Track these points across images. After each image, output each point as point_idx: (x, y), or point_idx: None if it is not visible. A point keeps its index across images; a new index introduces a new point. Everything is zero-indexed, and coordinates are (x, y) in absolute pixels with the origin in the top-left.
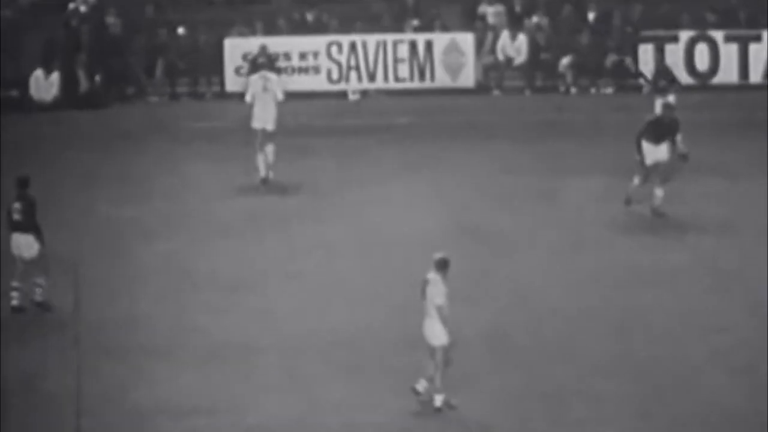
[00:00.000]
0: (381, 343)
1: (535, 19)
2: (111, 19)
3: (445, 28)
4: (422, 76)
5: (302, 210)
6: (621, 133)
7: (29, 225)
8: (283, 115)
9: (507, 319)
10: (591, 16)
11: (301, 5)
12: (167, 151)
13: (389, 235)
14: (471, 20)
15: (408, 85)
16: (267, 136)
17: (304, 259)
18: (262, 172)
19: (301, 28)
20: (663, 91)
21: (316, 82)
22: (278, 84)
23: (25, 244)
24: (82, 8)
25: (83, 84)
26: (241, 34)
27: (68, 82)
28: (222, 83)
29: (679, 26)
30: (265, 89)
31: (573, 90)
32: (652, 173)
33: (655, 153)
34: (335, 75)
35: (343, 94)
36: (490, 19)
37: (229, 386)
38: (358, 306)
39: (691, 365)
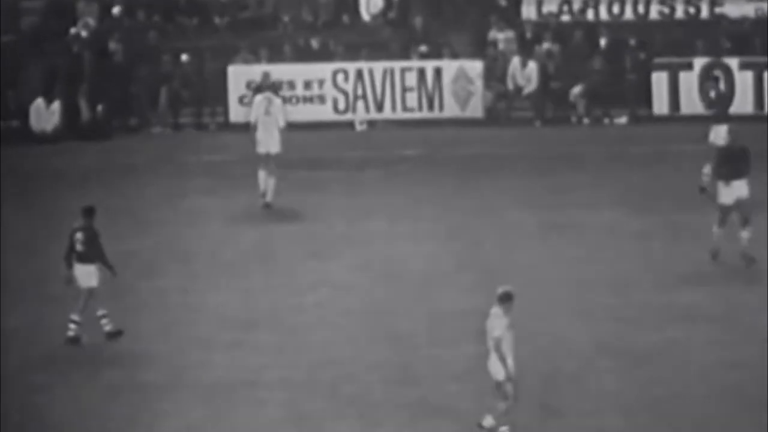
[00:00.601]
0: (387, 379)
1: (545, 45)
2: (113, 45)
3: (455, 55)
4: (431, 106)
5: (308, 245)
6: (636, 165)
7: (92, 255)
8: (287, 147)
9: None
10: (603, 42)
11: (306, 31)
12: (170, 184)
13: (397, 270)
14: (480, 47)
15: (416, 115)
16: (270, 160)
17: (310, 295)
18: (262, 186)
19: (306, 55)
20: (721, 119)
21: (322, 112)
22: (281, 109)
23: (86, 275)
24: (84, 33)
25: (85, 114)
26: (246, 61)
27: (70, 112)
28: (226, 113)
29: (694, 53)
30: (267, 112)
31: (585, 121)
32: (730, 214)
33: (735, 190)
34: (341, 105)
35: (349, 125)
36: (500, 46)
37: (235, 423)
38: (365, 341)
39: (709, 402)
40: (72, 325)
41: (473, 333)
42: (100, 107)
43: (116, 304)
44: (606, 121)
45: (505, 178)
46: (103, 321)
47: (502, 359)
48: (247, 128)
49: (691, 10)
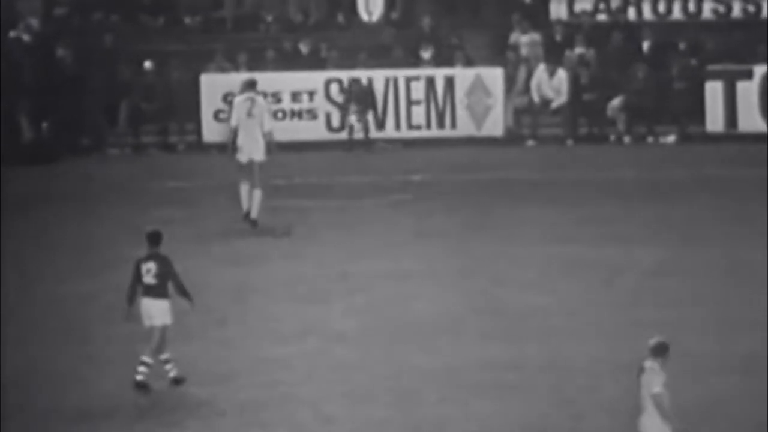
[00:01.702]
0: None
1: (577, 50)
2: (62, 51)
3: (469, 62)
4: (441, 123)
5: (295, 286)
6: (685, 192)
7: (164, 289)
8: (271, 170)
9: (546, 414)
10: (646, 46)
11: (293, 33)
12: (131, 216)
13: (399, 316)
14: (500, 52)
15: (424, 133)
16: (253, 169)
17: (297, 345)
18: (245, 205)
19: (293, 61)
20: None
21: (313, 130)
22: (266, 110)
23: (158, 312)
24: (25, 37)
25: (27, 133)
26: (222, 70)
27: (8, 131)
28: (198, 131)
29: (755, 59)
30: (250, 114)
31: (626, 139)
32: None
33: None
34: (336, 121)
35: (344, 145)
36: (524, 51)
37: None
38: (361, 399)
39: None
40: (142, 368)
41: (489, 388)
42: (44, 125)
43: (70, 352)
44: (650, 140)
45: (528, 207)
46: (168, 366)
47: (668, 417)
48: (223, 149)
49: (751, 8)
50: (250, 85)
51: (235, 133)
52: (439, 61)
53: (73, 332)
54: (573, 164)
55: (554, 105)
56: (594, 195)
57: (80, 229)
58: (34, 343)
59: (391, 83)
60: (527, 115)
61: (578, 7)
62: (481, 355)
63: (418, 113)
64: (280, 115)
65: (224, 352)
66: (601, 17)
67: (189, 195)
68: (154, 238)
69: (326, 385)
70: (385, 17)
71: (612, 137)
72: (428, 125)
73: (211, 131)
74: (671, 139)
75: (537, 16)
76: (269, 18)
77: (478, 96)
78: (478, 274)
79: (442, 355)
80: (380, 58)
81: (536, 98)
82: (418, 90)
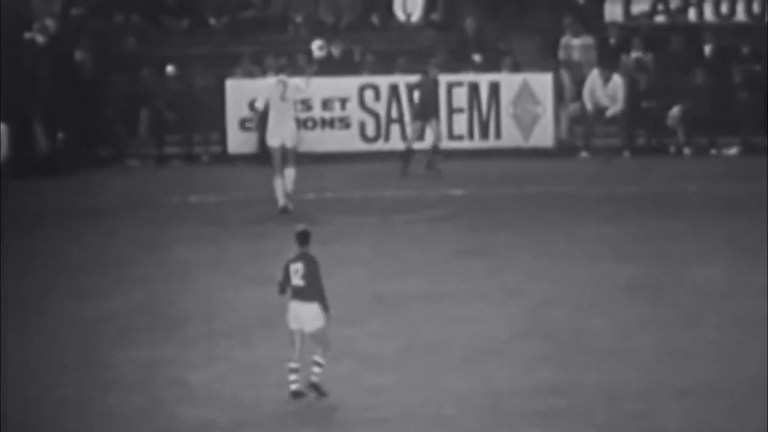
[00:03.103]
0: None
1: (634, 54)
2: (81, 55)
3: (516, 67)
4: (485, 133)
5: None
6: (750, 207)
7: (315, 292)
8: (301, 185)
9: None
10: (708, 50)
11: (325, 36)
12: (152, 231)
13: (439, 339)
14: (550, 56)
15: (467, 144)
16: (286, 155)
17: (330, 368)
18: (281, 201)
19: (325, 65)
20: None
21: (346, 140)
22: (299, 89)
23: (308, 317)
24: (40, 39)
25: (41, 142)
26: (248, 74)
27: (22, 140)
28: (224, 142)
29: None
30: (283, 98)
31: (686, 151)
32: None
33: None
34: (371, 130)
35: (380, 156)
36: (576, 55)
37: None
38: (395, 426)
39: None
40: (293, 376)
41: (537, 415)
42: (60, 134)
43: (87, 377)
44: (713, 151)
45: (580, 224)
46: (316, 369)
47: None
48: (251, 160)
49: None
50: (282, 69)
51: (261, 117)
52: (483, 66)
53: (89, 356)
54: (629, 177)
55: (609, 113)
56: (652, 211)
57: (97, 247)
58: (48, 367)
59: None
60: (580, 124)
61: (635, 9)
62: (527, 380)
63: (460, 122)
64: (310, 123)
65: (251, 376)
66: (660, 19)
67: (213, 210)
68: (303, 238)
69: (360, 411)
70: (425, 18)
71: (672, 148)
72: (471, 135)
73: (237, 141)
74: (734, 150)
75: (590, 18)
76: (299, 19)
77: (526, 104)
78: (525, 294)
79: (485, 380)
80: (419, 62)
81: (589, 106)
82: (461, 97)
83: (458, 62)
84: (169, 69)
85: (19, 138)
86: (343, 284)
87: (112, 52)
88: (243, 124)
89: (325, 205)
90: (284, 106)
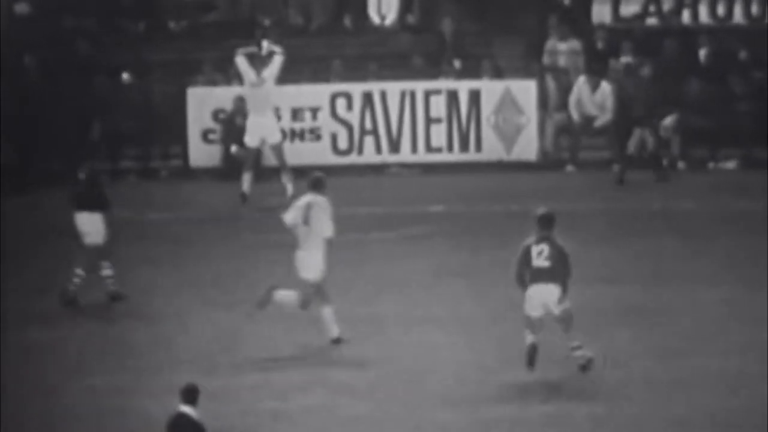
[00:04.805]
0: None
1: (624, 59)
2: (27, 60)
3: (498, 72)
4: (465, 145)
5: (298, 333)
6: (751, 225)
7: (560, 273)
8: (267, 202)
9: None
10: (703, 54)
11: (294, 40)
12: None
13: (419, 366)
14: (534, 61)
15: (445, 157)
16: (277, 152)
17: (298, 398)
18: (245, 186)
19: (294, 72)
20: None
21: (316, 153)
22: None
23: (554, 298)
24: None
25: None
26: (211, 82)
27: None
28: (185, 155)
29: None
30: (260, 78)
31: (681, 165)
32: None
33: None
34: (343, 142)
35: (353, 170)
36: (562, 61)
37: None
38: None
39: None
40: (578, 353)
41: None
42: (3, 147)
43: (39, 405)
44: (710, 165)
45: (568, 243)
46: (578, 353)
47: None
48: (215, 175)
49: None
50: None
51: (225, 127)
52: (462, 72)
53: (39, 384)
54: (620, 193)
55: (598, 123)
56: (644, 229)
57: (47, 269)
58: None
59: (408, 98)
60: (566, 135)
61: (625, 10)
62: (514, 410)
63: (438, 133)
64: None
65: (213, 405)
66: (652, 21)
67: (174, 229)
68: (548, 221)
69: None
70: (401, 21)
71: (665, 162)
72: (450, 147)
73: (200, 155)
74: (733, 164)
75: (577, 21)
76: (266, 22)
77: (508, 113)
78: (509, 319)
79: (468, 410)
80: (395, 68)
81: (576, 116)
82: (439, 106)
83: (435, 68)
84: (125, 76)
85: None
86: (313, 308)
87: (62, 58)
88: (205, 135)
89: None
90: (258, 92)
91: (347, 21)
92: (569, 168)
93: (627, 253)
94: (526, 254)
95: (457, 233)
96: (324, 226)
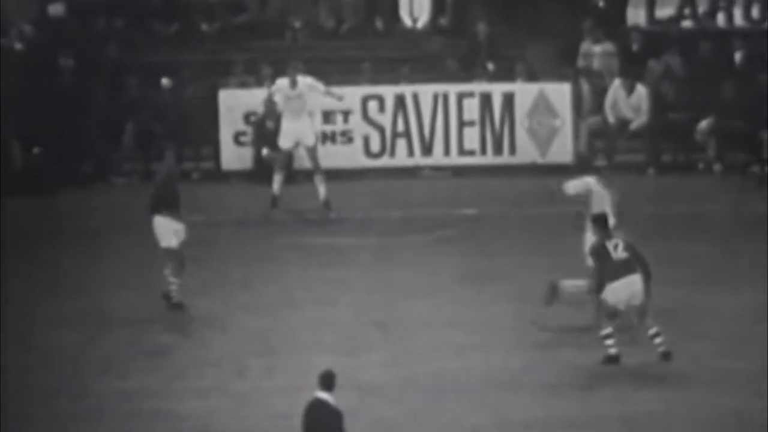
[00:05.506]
0: None
1: (660, 62)
2: (66, 62)
3: (532, 75)
4: (498, 148)
5: (327, 335)
6: None
7: (637, 262)
8: (300, 204)
9: None
10: (738, 57)
11: (325, 42)
12: (138, 256)
13: (447, 369)
14: (569, 64)
15: (478, 160)
16: (311, 156)
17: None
18: (276, 189)
19: (325, 74)
20: None
21: (348, 156)
22: (313, 88)
23: (638, 288)
24: (18, 45)
25: (17, 159)
26: (243, 85)
27: None
28: (216, 157)
29: None
30: (297, 95)
31: (716, 167)
32: None
33: None
34: (375, 145)
35: (385, 172)
36: (596, 63)
37: None
38: None
39: None
40: (609, 341)
41: None
42: (37, 149)
43: (71, 407)
44: (746, 168)
45: None
46: (657, 340)
47: None
48: (246, 177)
49: None
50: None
51: (257, 130)
52: (496, 75)
53: (69, 386)
54: (655, 196)
55: (633, 126)
56: (679, 232)
57: (78, 271)
58: (29, 397)
59: (440, 101)
60: (601, 138)
61: (660, 13)
62: (543, 414)
63: (471, 136)
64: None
65: (243, 408)
66: (688, 24)
67: (205, 231)
68: (605, 220)
69: None
70: (433, 23)
71: (701, 165)
72: (483, 150)
73: (231, 157)
74: None
75: (612, 23)
76: (297, 23)
77: (542, 116)
78: (539, 322)
79: (497, 412)
80: (427, 71)
81: (612, 118)
82: (472, 109)
83: (468, 71)
84: (164, 81)
85: None
86: (344, 310)
87: (94, 59)
88: (237, 138)
89: (323, 225)
90: (298, 103)
91: (378, 23)
92: (604, 171)
93: (660, 256)
94: (604, 250)
95: (488, 236)
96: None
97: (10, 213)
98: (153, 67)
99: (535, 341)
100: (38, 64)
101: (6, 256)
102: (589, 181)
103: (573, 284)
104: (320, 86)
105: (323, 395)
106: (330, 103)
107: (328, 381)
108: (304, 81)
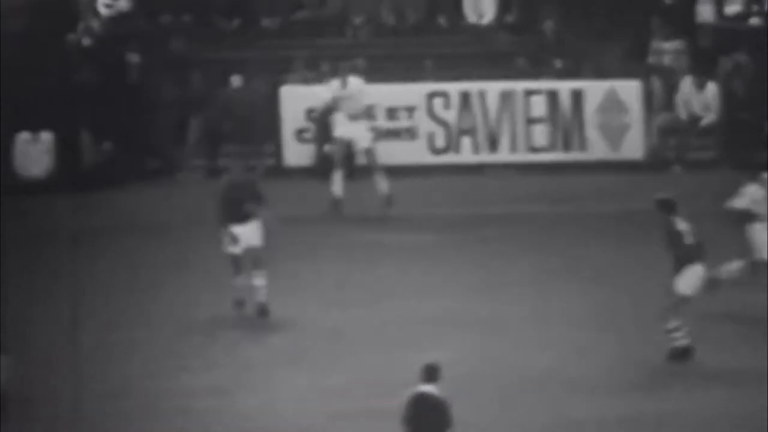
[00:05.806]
0: None
1: (731, 59)
2: (133, 58)
3: (601, 73)
4: (567, 144)
5: (371, 335)
6: None
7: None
8: (363, 201)
9: None
10: None
11: (387, 38)
12: (205, 250)
13: (482, 372)
14: (639, 61)
15: (547, 156)
16: (368, 156)
17: (385, 402)
18: (337, 189)
19: (388, 71)
20: None
21: (412, 152)
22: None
23: (697, 279)
24: (86, 41)
25: (88, 154)
26: (304, 80)
27: (67, 151)
28: (278, 154)
29: None
30: (348, 95)
31: None
32: None
33: None
34: (440, 141)
35: (450, 169)
36: (667, 60)
37: None
38: None
39: None
40: (677, 334)
41: None
42: (105, 144)
43: (112, 404)
44: None
45: None
46: (676, 335)
47: None
48: (308, 174)
49: None
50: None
51: (319, 127)
52: (564, 71)
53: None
54: (729, 193)
55: (704, 123)
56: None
57: (142, 267)
58: (84, 395)
59: (507, 98)
60: (671, 135)
61: (730, 9)
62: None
63: (540, 133)
64: (373, 134)
65: (300, 404)
66: (757, 21)
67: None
68: (673, 203)
69: None
70: (499, 20)
71: None
72: (552, 147)
73: (293, 153)
74: None
75: (681, 20)
76: (358, 20)
77: (612, 113)
78: (612, 320)
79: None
80: (493, 68)
81: (683, 115)
82: (540, 106)
83: (536, 68)
84: (235, 80)
85: (64, 149)
86: (397, 307)
87: (161, 55)
88: (299, 134)
89: (384, 222)
90: (351, 104)
91: (442, 20)
92: (676, 168)
93: (729, 256)
94: (679, 234)
95: (558, 233)
96: None
97: (78, 208)
98: (216, 63)
99: (610, 340)
100: (107, 59)
101: (68, 251)
102: (752, 191)
103: (728, 270)
104: (366, 90)
105: (427, 387)
106: (393, 100)
107: (432, 373)
108: (356, 82)
